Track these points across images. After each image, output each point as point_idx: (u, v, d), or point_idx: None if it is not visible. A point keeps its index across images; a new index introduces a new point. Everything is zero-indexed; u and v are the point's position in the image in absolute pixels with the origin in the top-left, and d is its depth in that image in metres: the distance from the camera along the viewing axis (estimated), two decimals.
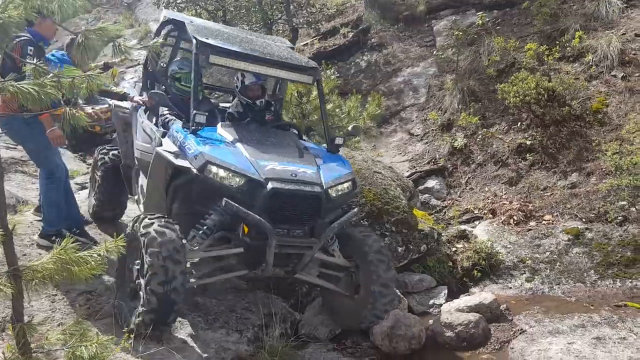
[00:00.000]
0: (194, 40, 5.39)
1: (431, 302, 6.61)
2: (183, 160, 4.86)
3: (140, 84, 7.07)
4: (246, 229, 4.81)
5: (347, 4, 16.07)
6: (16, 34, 4.74)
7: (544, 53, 9.97)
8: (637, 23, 10.14)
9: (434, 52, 12.49)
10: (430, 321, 5.79)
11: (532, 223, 7.93)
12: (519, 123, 9.58)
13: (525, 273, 7.11)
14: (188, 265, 4.82)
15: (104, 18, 23.54)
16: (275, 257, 4.82)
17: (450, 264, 7.13)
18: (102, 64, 15.37)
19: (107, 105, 13.01)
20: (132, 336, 4.43)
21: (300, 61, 5.81)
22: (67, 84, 2.95)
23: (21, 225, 6.43)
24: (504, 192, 8.86)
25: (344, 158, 5.75)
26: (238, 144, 5.08)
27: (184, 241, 4.74)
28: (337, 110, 10.43)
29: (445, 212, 9.01)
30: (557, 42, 10.31)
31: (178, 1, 14.82)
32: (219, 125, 5.45)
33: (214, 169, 4.73)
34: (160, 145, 5.29)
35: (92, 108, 10.88)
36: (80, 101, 7.72)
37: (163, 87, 6.52)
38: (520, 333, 5.63)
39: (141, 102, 6.43)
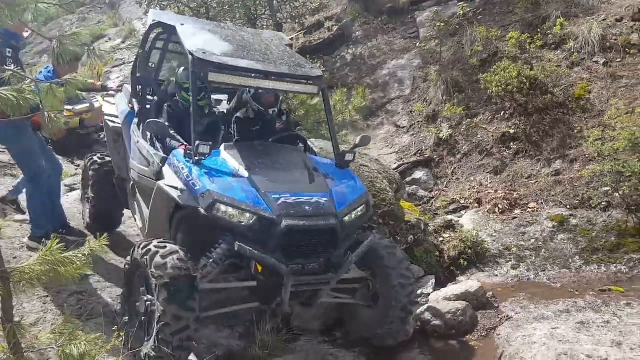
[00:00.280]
0: (191, 57, 5.01)
1: (419, 291, 6.68)
2: (189, 198, 4.59)
3: (128, 85, 6.74)
4: (259, 268, 4.57)
5: None
6: None
7: (526, 41, 10.05)
8: (617, 8, 10.22)
9: (418, 44, 12.55)
10: (419, 310, 5.88)
11: (517, 211, 8.03)
12: (503, 112, 9.67)
13: (510, 261, 7.21)
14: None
15: (88, 18, 23.44)
16: (291, 294, 4.61)
17: (438, 253, 7.20)
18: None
19: (87, 105, 13.01)
20: (122, 335, 4.50)
21: (305, 71, 5.43)
22: (45, 89, 3.00)
23: (11, 229, 6.49)
24: (489, 181, 8.95)
25: (353, 174, 5.56)
26: (245, 173, 4.78)
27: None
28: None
29: (432, 203, 9.09)
30: (538, 30, 10.37)
31: (160, 0, 14.78)
32: (222, 148, 5.12)
33: (222, 207, 4.47)
34: (160, 173, 5.02)
35: (73, 108, 10.80)
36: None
37: (154, 93, 6.30)
38: (506, 320, 5.74)
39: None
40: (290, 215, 4.50)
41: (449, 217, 8.24)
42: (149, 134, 5.64)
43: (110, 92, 6.91)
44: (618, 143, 7.27)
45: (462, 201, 8.74)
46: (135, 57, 6.38)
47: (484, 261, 7.27)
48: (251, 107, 5.86)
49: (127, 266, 4.79)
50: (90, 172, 6.88)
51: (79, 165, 12.61)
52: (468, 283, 6.37)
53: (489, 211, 8.17)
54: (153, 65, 6.65)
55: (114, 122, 6.58)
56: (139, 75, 6.26)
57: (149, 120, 5.36)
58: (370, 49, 13.28)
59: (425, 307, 5.94)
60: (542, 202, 8.03)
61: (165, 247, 4.48)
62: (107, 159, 6.89)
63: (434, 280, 6.80)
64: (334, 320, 5.88)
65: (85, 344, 3.08)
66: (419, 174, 9.79)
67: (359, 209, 5.00)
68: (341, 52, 13.61)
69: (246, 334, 5.45)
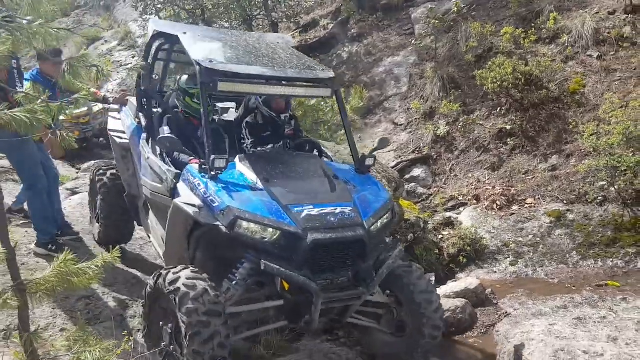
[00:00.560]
0: (198, 67, 4.75)
1: None
2: (208, 215, 4.33)
3: (133, 99, 6.53)
4: (286, 286, 4.32)
5: None
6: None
7: (521, 36, 10.14)
8: (610, 1, 10.31)
9: (413, 41, 12.62)
10: None
11: (515, 207, 8.13)
12: (499, 108, 9.77)
13: (509, 257, 7.32)
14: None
15: (83, 20, 23.47)
16: (321, 311, 4.35)
17: (437, 251, 7.31)
18: None
19: (85, 109, 13.11)
20: (131, 339, 4.60)
21: (317, 73, 5.17)
22: (56, 108, 3.10)
23: (17, 235, 6.59)
24: (486, 178, 9.06)
25: (374, 179, 5.33)
26: (264, 185, 4.53)
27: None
28: (323, 103, 10.60)
29: (431, 200, 9.20)
30: (532, 25, 10.48)
31: (156, 2, 14.87)
32: (237, 160, 4.85)
33: (244, 224, 4.22)
34: (175, 189, 4.82)
35: (71, 112, 10.84)
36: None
37: (158, 105, 6.06)
38: (505, 316, 5.84)
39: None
40: (315, 228, 4.26)
41: (448, 214, 8.34)
42: (158, 149, 5.43)
43: (112, 107, 6.89)
44: (613, 138, 7.35)
45: (461, 198, 8.84)
46: (137, 69, 6.26)
47: (483, 258, 7.38)
48: (261, 112, 5.70)
49: (150, 290, 4.43)
50: (99, 185, 6.71)
51: (79, 169, 12.74)
52: (467, 280, 6.48)
53: (487, 207, 8.28)
54: (157, 77, 6.49)
55: (121, 138, 6.36)
56: (143, 89, 6.06)
57: (160, 136, 5.11)
58: (366, 47, 13.37)
59: None
60: (539, 198, 8.13)
61: (195, 286, 4.09)
62: (115, 171, 6.70)
63: (433, 278, 6.90)
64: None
65: (99, 351, 3.19)
66: (417, 172, 9.89)
67: (385, 216, 4.77)
68: (337, 51, 13.69)
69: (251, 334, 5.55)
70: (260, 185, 4.52)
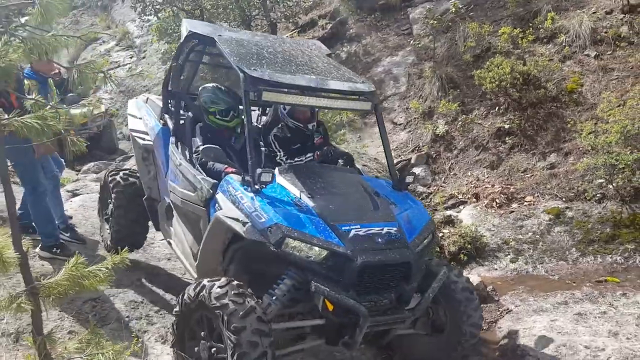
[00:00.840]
0: (242, 75, 4.58)
1: None
2: (254, 231, 4.17)
3: (154, 97, 6.54)
4: (330, 306, 4.19)
5: None
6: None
7: (518, 36, 10.22)
8: (607, 1, 10.37)
9: (411, 42, 12.70)
10: None
11: (514, 205, 8.21)
12: (497, 107, 9.84)
13: (509, 254, 7.39)
14: None
15: (80, 21, 23.50)
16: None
17: (438, 249, 7.38)
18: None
19: (84, 110, 13.20)
20: (140, 340, 4.67)
21: (358, 86, 5.02)
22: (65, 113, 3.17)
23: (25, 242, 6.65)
24: (486, 176, 9.14)
25: (413, 197, 5.28)
26: (308, 201, 4.40)
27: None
28: None
29: (431, 199, 9.27)
30: (530, 24, 10.54)
31: (154, 3, 14.93)
32: (277, 172, 4.68)
33: (292, 242, 4.11)
34: (212, 200, 4.73)
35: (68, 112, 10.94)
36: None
37: (187, 107, 5.96)
38: (506, 313, 5.92)
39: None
40: (364, 249, 4.15)
41: (448, 212, 8.42)
42: (188, 154, 5.38)
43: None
44: (611, 136, 7.43)
45: (460, 196, 8.91)
46: (167, 69, 6.02)
47: (484, 255, 7.45)
48: (286, 123, 5.55)
49: (188, 300, 4.21)
50: (113, 189, 6.56)
51: (79, 170, 12.80)
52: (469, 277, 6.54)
53: (487, 205, 8.35)
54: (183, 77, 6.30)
55: (143, 139, 6.20)
56: (171, 90, 5.91)
57: (205, 146, 5.07)
58: (365, 47, 13.45)
59: None
60: (538, 196, 8.21)
61: (244, 303, 3.94)
62: (131, 179, 6.61)
63: None
64: None
65: (111, 353, 3.26)
66: (416, 170, 9.93)
67: (428, 237, 4.67)
68: (336, 51, 13.74)
69: None
70: (304, 201, 4.41)
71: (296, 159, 5.55)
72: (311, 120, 5.54)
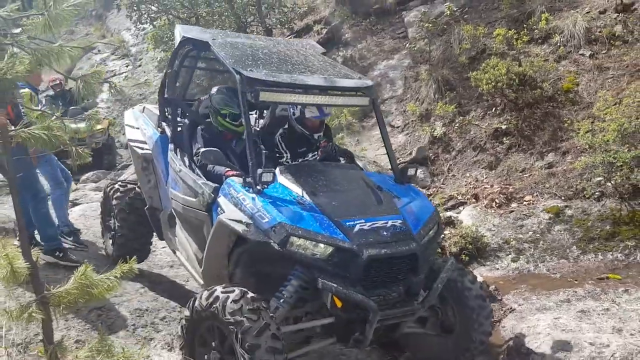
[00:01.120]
0: (238, 76, 4.58)
1: None
2: (257, 232, 4.16)
3: (151, 107, 6.53)
4: (339, 303, 4.18)
5: (317, 0, 16.27)
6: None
7: (513, 37, 10.28)
8: (600, 0, 10.44)
9: (407, 45, 12.76)
10: None
11: (514, 204, 8.24)
12: (494, 108, 9.89)
13: (510, 254, 7.42)
14: None
15: (75, 30, 23.53)
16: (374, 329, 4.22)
17: (440, 250, 7.41)
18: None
19: (85, 125, 13.20)
20: (144, 348, 4.70)
21: (356, 82, 5.06)
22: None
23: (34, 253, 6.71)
24: (484, 177, 9.18)
25: (416, 189, 5.27)
26: (311, 199, 4.39)
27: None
28: None
29: (430, 200, 9.29)
30: (524, 26, 10.60)
31: (150, 11, 14.97)
32: (277, 171, 4.69)
33: (297, 240, 4.09)
34: (213, 204, 4.72)
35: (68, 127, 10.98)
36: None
37: (184, 114, 5.94)
38: (510, 312, 5.95)
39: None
40: (370, 243, 4.15)
41: (448, 213, 8.44)
42: (187, 160, 5.37)
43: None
44: (608, 134, 7.48)
45: (460, 197, 8.95)
46: (163, 77, 6.03)
47: (485, 255, 7.47)
48: (295, 128, 5.48)
49: (199, 308, 4.17)
50: (115, 201, 6.62)
51: (78, 180, 12.82)
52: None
53: (487, 206, 8.38)
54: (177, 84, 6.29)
55: (142, 148, 6.21)
56: (167, 97, 5.90)
57: (205, 149, 5.03)
58: (360, 51, 13.49)
59: None
60: (537, 195, 8.25)
61: (258, 319, 3.88)
62: (130, 186, 6.68)
63: None
64: None
65: None
66: (418, 169, 9.96)
67: (433, 228, 4.68)
68: (332, 55, 13.77)
69: None
70: (307, 199, 4.40)
71: (300, 160, 5.56)
72: (319, 130, 5.51)
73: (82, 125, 12.30)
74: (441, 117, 10.39)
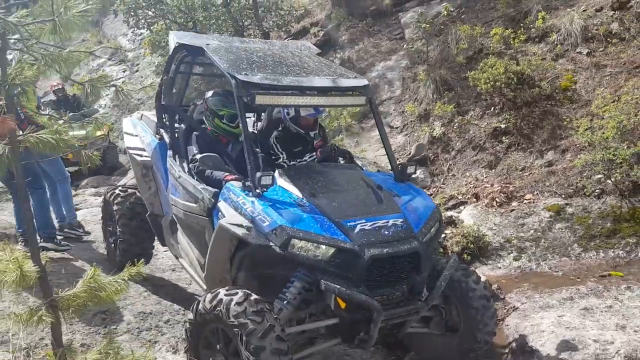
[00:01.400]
0: (233, 81, 4.56)
1: None
2: (258, 236, 4.19)
3: (149, 114, 6.53)
4: (342, 304, 4.18)
5: (313, 3, 16.29)
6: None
7: (510, 37, 10.31)
8: None
9: (404, 46, 12.78)
10: None
11: (514, 203, 8.26)
12: (493, 108, 9.91)
13: (512, 252, 7.43)
14: None
15: (71, 37, 23.47)
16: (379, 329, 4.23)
17: (441, 250, 7.43)
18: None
19: (83, 132, 13.19)
20: (151, 348, 4.72)
21: (351, 81, 5.05)
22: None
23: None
24: (484, 176, 9.21)
25: (416, 187, 5.26)
26: (311, 200, 4.40)
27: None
28: None
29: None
30: (521, 25, 10.62)
31: (147, 16, 14.98)
32: (276, 174, 4.68)
33: (298, 243, 4.10)
34: (214, 209, 4.72)
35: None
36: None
37: (180, 120, 5.94)
38: (513, 310, 5.96)
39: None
40: (371, 243, 4.16)
41: (449, 213, 8.46)
42: (186, 166, 5.37)
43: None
44: (607, 132, 7.50)
45: (460, 197, 8.97)
46: (159, 83, 6.06)
47: (487, 254, 7.48)
48: (288, 128, 5.57)
49: (203, 310, 4.20)
50: (116, 207, 6.65)
51: (77, 186, 12.82)
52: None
53: (487, 205, 8.40)
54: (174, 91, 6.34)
55: (141, 155, 6.23)
56: (164, 104, 5.93)
57: (203, 155, 4.94)
58: (358, 52, 13.52)
59: None
60: (537, 193, 8.27)
61: (263, 321, 3.89)
62: (131, 191, 6.72)
63: None
64: None
65: None
66: (417, 167, 9.97)
67: (435, 226, 4.68)
68: (329, 57, 13.79)
69: None
70: (306, 200, 4.40)
71: (298, 160, 5.60)
72: (314, 128, 5.59)
73: (82, 132, 12.31)
74: (440, 117, 10.41)
